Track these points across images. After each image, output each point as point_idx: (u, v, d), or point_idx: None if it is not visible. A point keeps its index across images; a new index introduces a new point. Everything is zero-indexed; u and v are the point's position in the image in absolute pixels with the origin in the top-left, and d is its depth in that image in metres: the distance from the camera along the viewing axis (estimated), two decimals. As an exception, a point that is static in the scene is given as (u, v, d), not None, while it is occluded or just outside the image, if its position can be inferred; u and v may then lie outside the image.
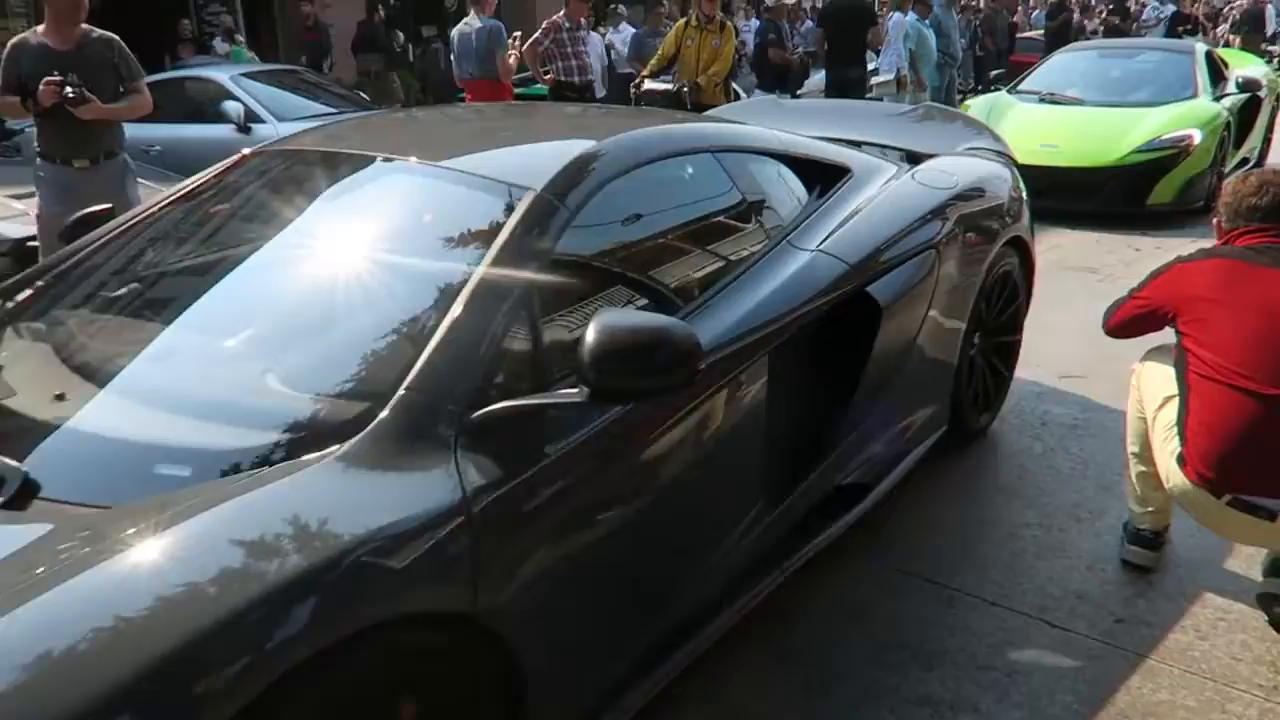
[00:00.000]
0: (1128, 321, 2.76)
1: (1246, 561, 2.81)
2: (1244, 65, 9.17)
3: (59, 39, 4.23)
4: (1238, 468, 2.35)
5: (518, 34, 9.00)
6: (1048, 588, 2.74)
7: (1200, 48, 8.60)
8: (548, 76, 7.78)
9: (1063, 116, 7.73)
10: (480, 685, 1.74)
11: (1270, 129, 9.01)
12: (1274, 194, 2.57)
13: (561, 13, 7.77)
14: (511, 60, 7.15)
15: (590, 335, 1.71)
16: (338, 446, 1.65)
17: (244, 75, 8.15)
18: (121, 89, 4.38)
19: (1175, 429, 2.49)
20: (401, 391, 1.73)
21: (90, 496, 1.62)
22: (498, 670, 1.74)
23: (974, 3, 18.05)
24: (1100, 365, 4.28)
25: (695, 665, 2.24)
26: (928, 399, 3.17)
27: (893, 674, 2.39)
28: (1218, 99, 7.69)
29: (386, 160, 2.44)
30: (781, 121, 3.73)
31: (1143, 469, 2.76)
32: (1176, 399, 2.53)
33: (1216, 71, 8.22)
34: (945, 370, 3.23)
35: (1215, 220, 2.74)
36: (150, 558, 1.42)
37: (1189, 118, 7.26)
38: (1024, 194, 3.74)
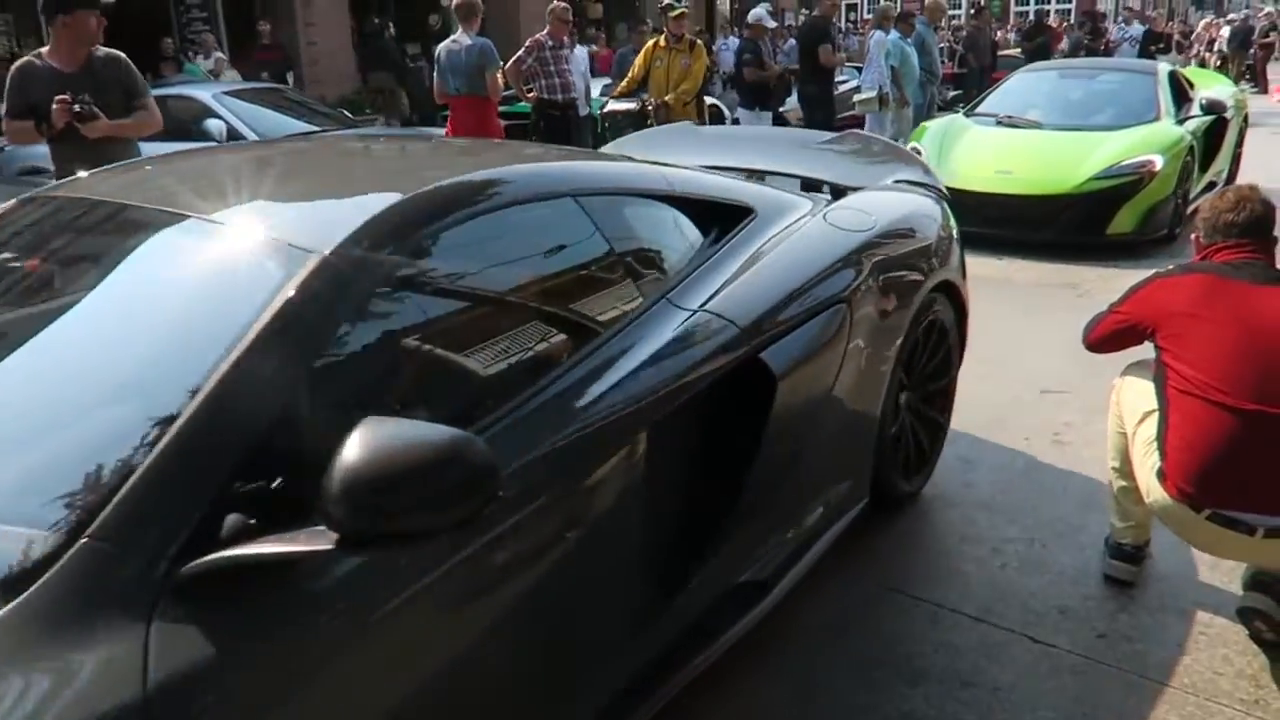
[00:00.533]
0: (1108, 336, 2.78)
1: (1227, 575, 2.82)
2: (1209, 85, 8.84)
3: (67, 61, 4.21)
4: (1217, 483, 2.36)
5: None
6: (1030, 603, 2.74)
7: (1163, 68, 8.30)
8: (531, 95, 7.79)
9: (1019, 141, 7.44)
10: None
11: (1238, 150, 8.78)
12: (1251, 210, 2.60)
13: (545, 31, 7.80)
14: (501, 79, 7.17)
15: (344, 456, 1.27)
16: None
17: (226, 93, 8.15)
18: (130, 106, 4.35)
19: (1155, 444, 2.50)
20: (84, 539, 1.28)
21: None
22: None
23: (955, 21, 18.30)
24: (1082, 380, 4.30)
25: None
26: (842, 473, 2.79)
27: (876, 691, 2.39)
28: (1181, 121, 7.39)
29: (143, 210, 2.00)
30: (696, 151, 3.55)
31: (1123, 484, 2.77)
32: (1156, 414, 2.54)
33: (1180, 93, 7.94)
34: (863, 438, 2.86)
35: (1194, 236, 2.76)
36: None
37: (1150, 142, 6.93)
38: (954, 232, 3.41)
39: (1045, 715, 2.30)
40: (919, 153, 7.05)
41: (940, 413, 3.38)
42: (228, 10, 13.48)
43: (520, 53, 7.93)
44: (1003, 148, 7.34)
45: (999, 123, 7.76)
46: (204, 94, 8.05)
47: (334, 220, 1.82)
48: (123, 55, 4.40)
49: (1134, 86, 7.84)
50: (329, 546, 1.27)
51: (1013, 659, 2.50)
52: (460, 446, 1.33)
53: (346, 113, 10.15)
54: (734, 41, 18.78)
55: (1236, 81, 20.52)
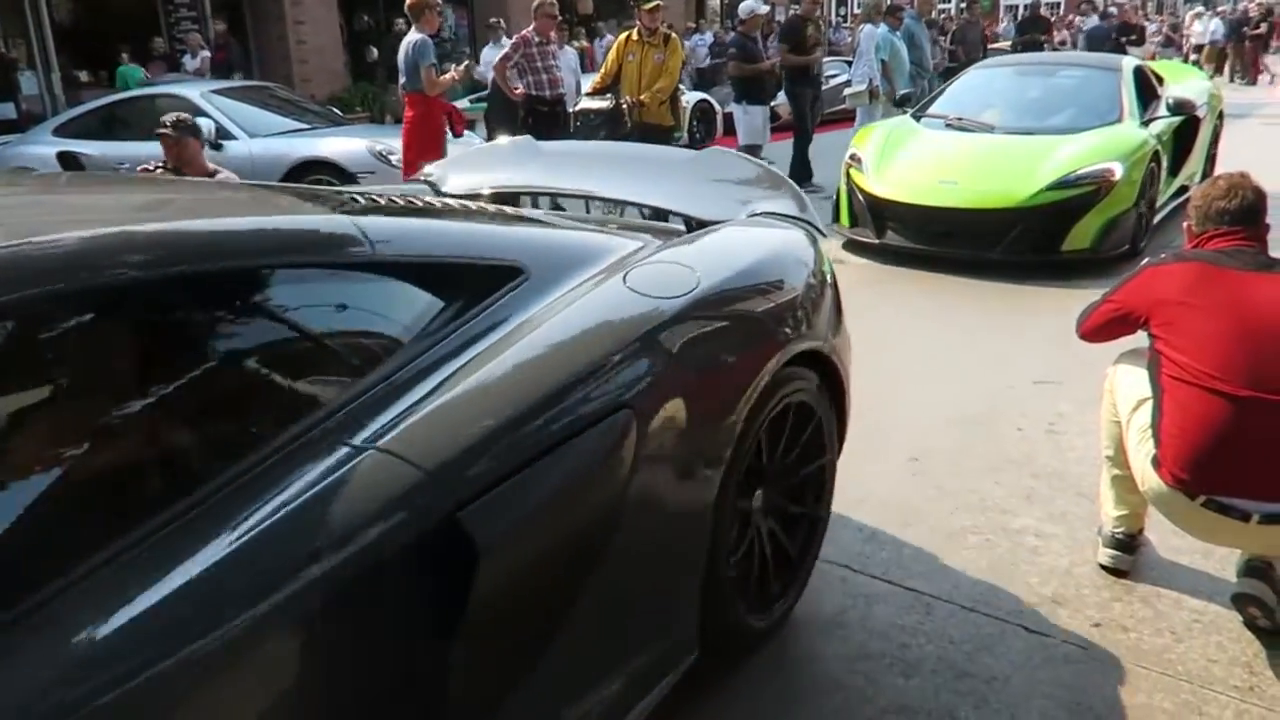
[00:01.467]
0: (1100, 326, 2.77)
1: (1220, 563, 2.82)
2: (1181, 81, 8.25)
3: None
4: (1211, 469, 2.35)
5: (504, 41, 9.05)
6: (1024, 593, 2.73)
7: (1129, 63, 7.57)
8: (518, 91, 7.76)
9: (967, 147, 6.81)
10: None
11: (1212, 151, 8.29)
12: (1243, 197, 2.59)
13: (531, 27, 7.78)
14: (448, 76, 6.99)
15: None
16: None
17: (215, 92, 8.12)
18: None
19: (1149, 431, 2.50)
20: None
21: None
22: None
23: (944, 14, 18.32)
24: (1074, 370, 4.30)
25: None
26: (645, 630, 2.01)
27: (871, 683, 2.38)
28: (1146, 123, 6.77)
29: None
30: (532, 172, 3.20)
31: (1117, 472, 2.77)
32: (1150, 402, 2.54)
33: (1147, 90, 7.31)
34: (675, 582, 2.09)
35: (1185, 224, 2.76)
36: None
37: (1109, 148, 6.28)
38: (829, 282, 2.68)
39: (1041, 705, 2.30)
40: (857, 160, 6.78)
41: (814, 505, 2.62)
42: (216, 10, 13.43)
43: (507, 49, 7.91)
44: (948, 155, 6.73)
45: (948, 125, 7.16)
46: (192, 93, 8.03)
47: None
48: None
49: (1095, 84, 7.21)
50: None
51: (1008, 649, 2.49)
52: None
53: (336, 110, 10.11)
54: (708, 37, 18.81)
55: (1232, 77, 20.51)
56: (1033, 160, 6.29)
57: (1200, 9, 28.48)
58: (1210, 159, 8.25)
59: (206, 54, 11.89)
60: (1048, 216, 6.03)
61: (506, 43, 9.82)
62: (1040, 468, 3.49)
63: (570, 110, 7.79)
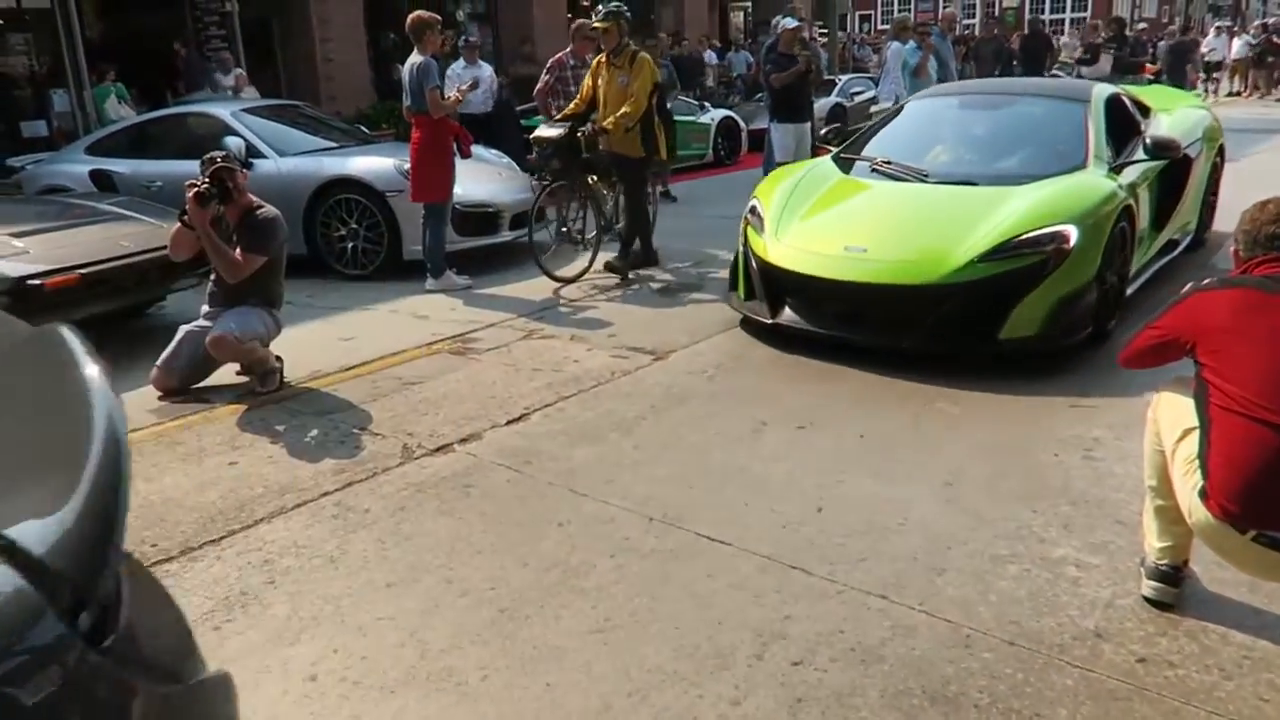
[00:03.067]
0: (1144, 352, 2.72)
1: (1268, 597, 2.76)
2: (1171, 109, 7.01)
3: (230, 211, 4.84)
4: (1263, 503, 2.30)
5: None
6: (1067, 626, 2.68)
7: (1100, 91, 6.13)
8: (557, 116, 7.74)
9: (886, 202, 5.42)
10: None
11: (1210, 198, 7.06)
12: None
13: (568, 49, 7.81)
14: (454, 97, 6.85)
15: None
16: None
17: (245, 111, 8.18)
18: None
19: (1197, 462, 2.44)
20: None
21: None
22: None
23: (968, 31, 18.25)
24: (1111, 393, 4.24)
25: (704, 707, 2.17)
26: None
27: None
28: (1118, 168, 5.38)
29: None
30: None
31: (1161, 503, 2.71)
32: (1197, 431, 2.48)
33: (1125, 125, 6.01)
34: None
35: (1233, 249, 2.71)
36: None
37: (1065, 204, 4.85)
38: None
39: (1086, 744, 2.24)
40: (756, 216, 5.47)
41: None
42: (246, 29, 13.57)
43: (544, 73, 7.94)
44: (860, 212, 5.39)
45: (874, 170, 5.76)
46: (222, 111, 8.08)
47: None
48: (273, 217, 4.81)
49: (1057, 120, 5.85)
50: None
51: (1051, 685, 2.44)
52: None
53: (363, 128, 10.18)
54: (745, 55, 18.90)
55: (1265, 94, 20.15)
56: (966, 220, 4.86)
57: (1224, 22, 28.07)
58: (1208, 206, 7.02)
59: (240, 71, 12.00)
60: (981, 294, 4.61)
61: (483, 67, 9.88)
62: (1079, 494, 3.43)
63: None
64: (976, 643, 2.61)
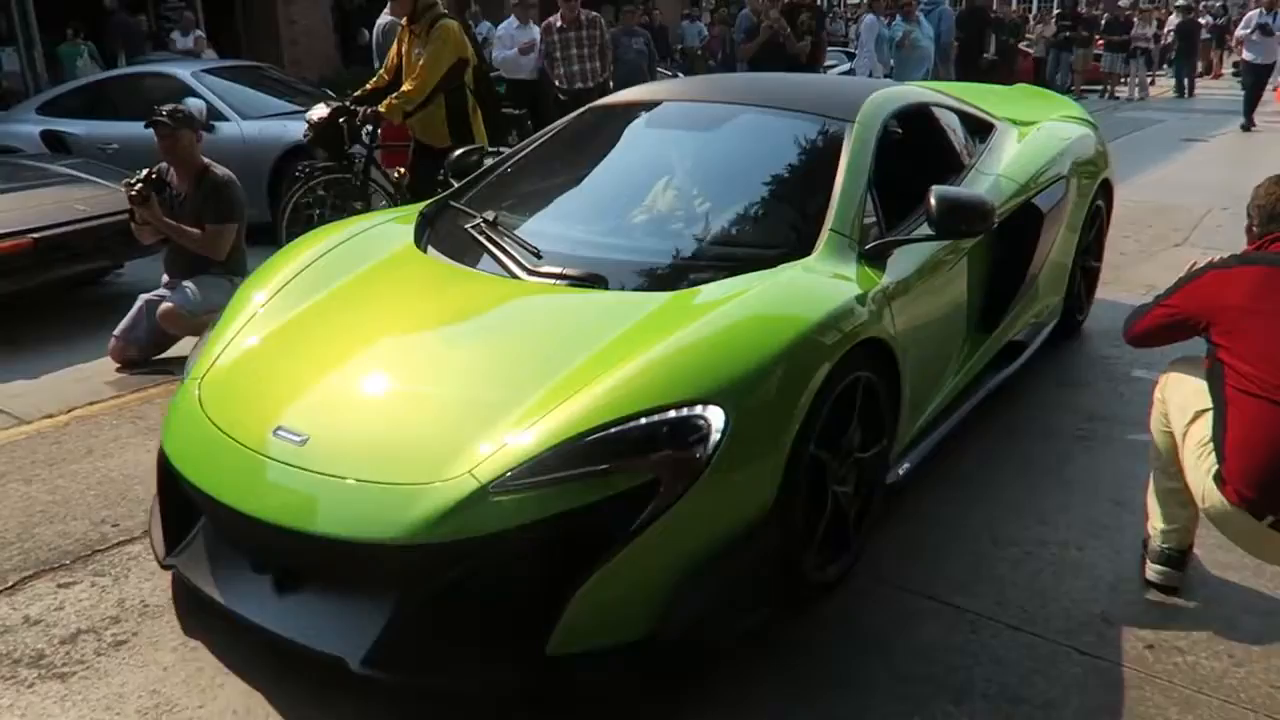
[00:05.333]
0: (1154, 330, 2.64)
1: (1272, 580, 2.71)
2: (1034, 120, 4.53)
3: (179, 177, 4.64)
4: (1277, 489, 2.22)
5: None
6: (1072, 611, 2.60)
7: (880, 102, 3.49)
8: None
9: (419, 316, 2.89)
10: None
11: (1093, 263, 4.78)
12: None
13: (557, 14, 7.72)
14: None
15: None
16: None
17: (206, 71, 7.87)
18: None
19: (1211, 445, 2.36)
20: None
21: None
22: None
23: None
24: (1099, 374, 4.19)
25: (713, 700, 2.06)
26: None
27: (920, 709, 2.24)
28: (874, 252, 2.95)
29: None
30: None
31: (1169, 485, 2.64)
32: (1210, 413, 2.40)
33: (933, 158, 3.77)
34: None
35: (1247, 225, 2.62)
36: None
37: (711, 355, 2.40)
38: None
39: (1100, 734, 2.17)
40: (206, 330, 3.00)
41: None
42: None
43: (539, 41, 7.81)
44: (352, 341, 2.76)
45: (472, 236, 3.17)
46: (182, 72, 7.77)
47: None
48: (229, 180, 4.56)
49: (791, 154, 3.42)
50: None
51: (1060, 672, 2.36)
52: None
53: (329, 93, 9.88)
54: (700, 26, 18.41)
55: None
56: (529, 378, 2.44)
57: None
58: (1087, 279, 4.69)
59: (199, 33, 11.60)
60: (501, 562, 2.18)
61: (534, 29, 8.93)
62: (1074, 475, 3.36)
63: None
64: (982, 628, 2.53)
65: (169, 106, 4.60)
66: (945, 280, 3.31)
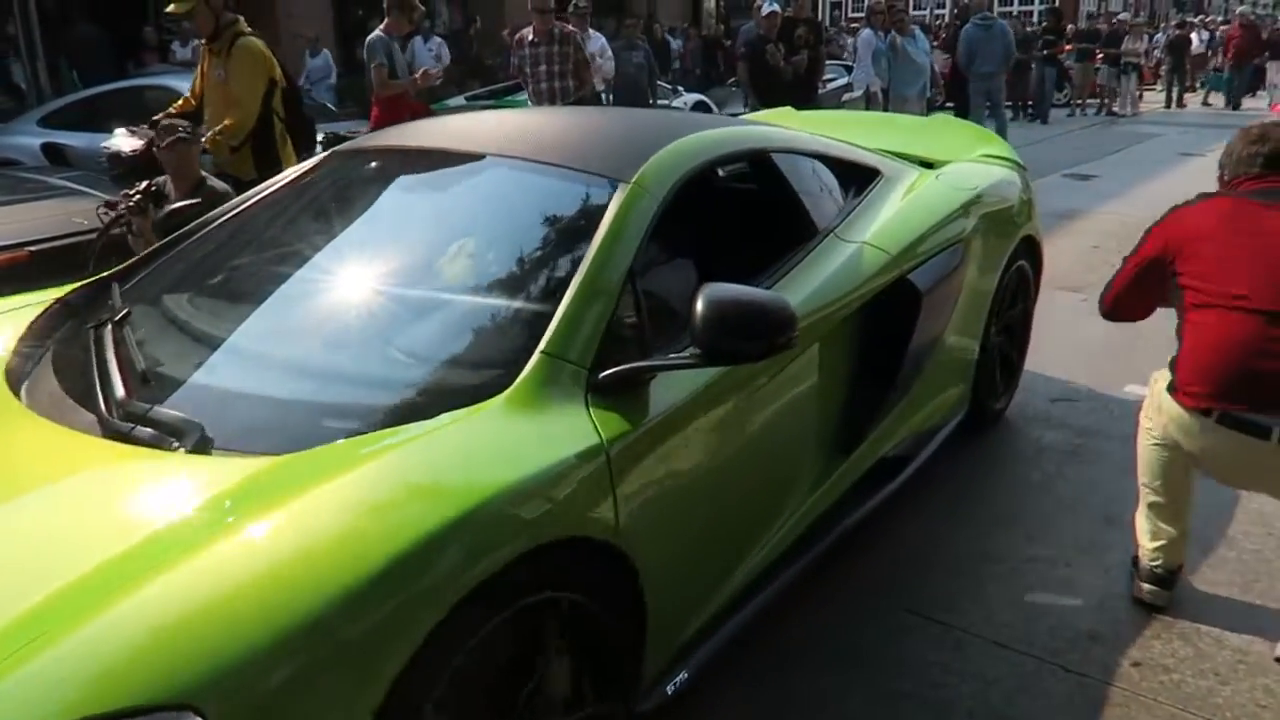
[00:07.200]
0: (1127, 287, 2.70)
1: (1260, 597, 2.71)
2: (949, 159, 3.74)
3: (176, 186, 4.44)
4: (1228, 383, 2.34)
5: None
6: (1058, 628, 2.60)
7: (672, 157, 2.44)
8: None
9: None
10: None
11: (1020, 323, 3.91)
12: (1275, 142, 2.57)
13: (530, 26, 7.61)
14: (407, 81, 6.33)
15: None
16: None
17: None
18: None
19: (1168, 368, 2.51)
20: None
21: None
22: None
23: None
24: (1091, 389, 4.19)
25: (691, 715, 2.07)
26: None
27: (903, 727, 2.25)
28: (611, 388, 1.94)
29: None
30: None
31: (1156, 499, 2.65)
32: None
33: (774, 222, 2.89)
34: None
35: (1219, 175, 2.73)
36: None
37: (195, 636, 1.37)
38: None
39: (1083, 752, 2.17)
40: None
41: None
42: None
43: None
44: None
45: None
46: (180, 85, 7.81)
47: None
48: (225, 192, 4.29)
49: (526, 228, 2.45)
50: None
51: (1045, 690, 2.36)
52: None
53: (330, 106, 9.94)
54: (677, 43, 18.19)
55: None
56: None
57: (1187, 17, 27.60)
58: (1002, 358, 3.75)
59: (199, 43, 11.64)
60: None
61: (594, 38, 8.77)
62: (1065, 491, 3.36)
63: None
64: (967, 645, 2.53)
65: (168, 124, 4.60)
66: (765, 398, 2.36)
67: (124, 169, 4.90)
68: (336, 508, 1.57)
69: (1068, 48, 16.71)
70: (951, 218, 3.26)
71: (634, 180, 2.30)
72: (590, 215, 2.26)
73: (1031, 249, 3.85)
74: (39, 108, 8.98)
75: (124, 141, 4.95)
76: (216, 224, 2.83)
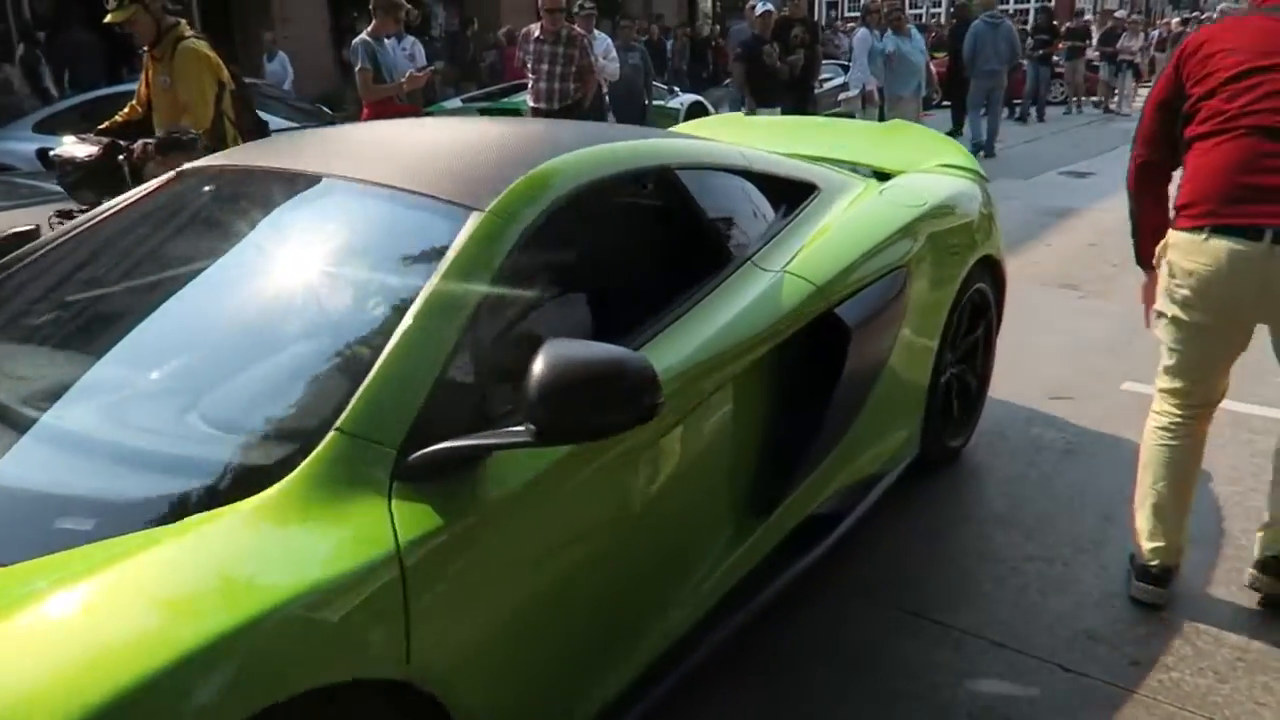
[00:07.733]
0: (1149, 127, 2.67)
1: (1257, 596, 2.70)
2: (914, 160, 3.63)
3: None
4: (1222, 197, 2.38)
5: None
6: (1056, 627, 2.60)
7: (568, 164, 2.17)
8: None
9: None
10: None
11: (972, 368, 3.50)
12: None
13: (538, 23, 7.62)
14: (394, 84, 6.26)
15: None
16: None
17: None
18: None
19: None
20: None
21: None
22: None
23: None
24: (1088, 386, 4.19)
25: (689, 715, 2.06)
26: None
27: (902, 728, 2.24)
28: (430, 470, 1.57)
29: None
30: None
31: (1156, 499, 2.64)
32: None
33: (679, 251, 2.49)
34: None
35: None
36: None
37: None
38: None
39: (1082, 752, 2.17)
40: None
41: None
42: (203, 6, 13.20)
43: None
44: None
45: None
46: (178, 90, 7.80)
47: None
48: None
49: (352, 267, 2.07)
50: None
51: (1044, 690, 2.36)
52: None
53: (326, 109, 9.94)
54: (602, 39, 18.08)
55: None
56: None
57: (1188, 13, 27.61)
58: (963, 390, 3.44)
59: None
60: None
61: (599, 38, 8.74)
62: (1061, 489, 3.36)
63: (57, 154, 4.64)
64: (966, 645, 2.53)
65: (162, 132, 4.52)
66: (651, 462, 2.02)
67: (78, 175, 4.68)
68: (31, 649, 1.21)
69: (1060, 46, 16.72)
70: (892, 240, 2.87)
71: (490, 208, 1.90)
72: (430, 250, 1.87)
73: (992, 270, 3.46)
74: (33, 113, 8.97)
75: (76, 148, 4.71)
76: (31, 255, 2.34)
